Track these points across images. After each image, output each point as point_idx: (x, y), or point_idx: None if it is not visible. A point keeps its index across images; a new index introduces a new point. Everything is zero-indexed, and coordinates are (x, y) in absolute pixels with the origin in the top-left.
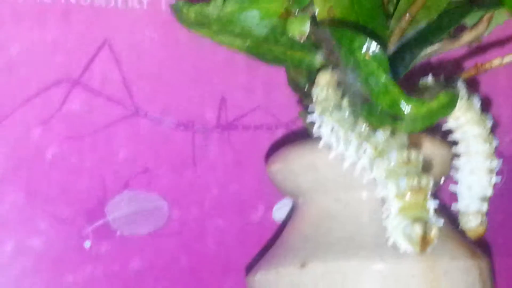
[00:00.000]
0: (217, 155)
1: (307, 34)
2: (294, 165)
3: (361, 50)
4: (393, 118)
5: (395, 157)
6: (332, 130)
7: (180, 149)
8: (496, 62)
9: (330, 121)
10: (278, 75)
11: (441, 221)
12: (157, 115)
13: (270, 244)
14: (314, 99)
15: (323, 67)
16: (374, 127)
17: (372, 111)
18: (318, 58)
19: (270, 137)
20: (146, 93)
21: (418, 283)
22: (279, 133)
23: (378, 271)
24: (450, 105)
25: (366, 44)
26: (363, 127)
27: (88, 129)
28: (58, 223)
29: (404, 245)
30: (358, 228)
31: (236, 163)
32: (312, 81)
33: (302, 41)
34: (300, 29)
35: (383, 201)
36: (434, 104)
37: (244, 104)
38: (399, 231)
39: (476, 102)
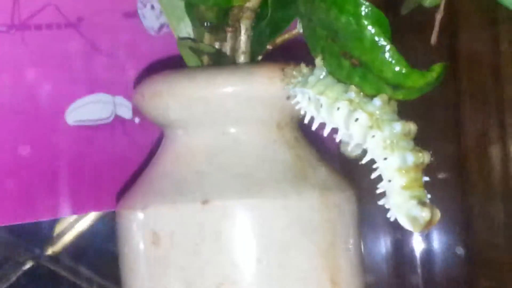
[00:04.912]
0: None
1: None
2: (182, 98)
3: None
4: (393, 86)
5: (400, 128)
6: (309, 99)
7: None
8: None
9: (306, 91)
10: None
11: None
12: None
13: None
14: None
15: None
16: (367, 94)
17: (366, 77)
18: None
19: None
20: None
21: (317, 215)
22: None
23: (283, 207)
24: (442, 75)
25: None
26: (354, 93)
27: None
28: None
29: (407, 225)
30: (254, 164)
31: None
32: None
33: None
34: None
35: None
36: (432, 75)
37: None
38: (404, 211)
39: None
